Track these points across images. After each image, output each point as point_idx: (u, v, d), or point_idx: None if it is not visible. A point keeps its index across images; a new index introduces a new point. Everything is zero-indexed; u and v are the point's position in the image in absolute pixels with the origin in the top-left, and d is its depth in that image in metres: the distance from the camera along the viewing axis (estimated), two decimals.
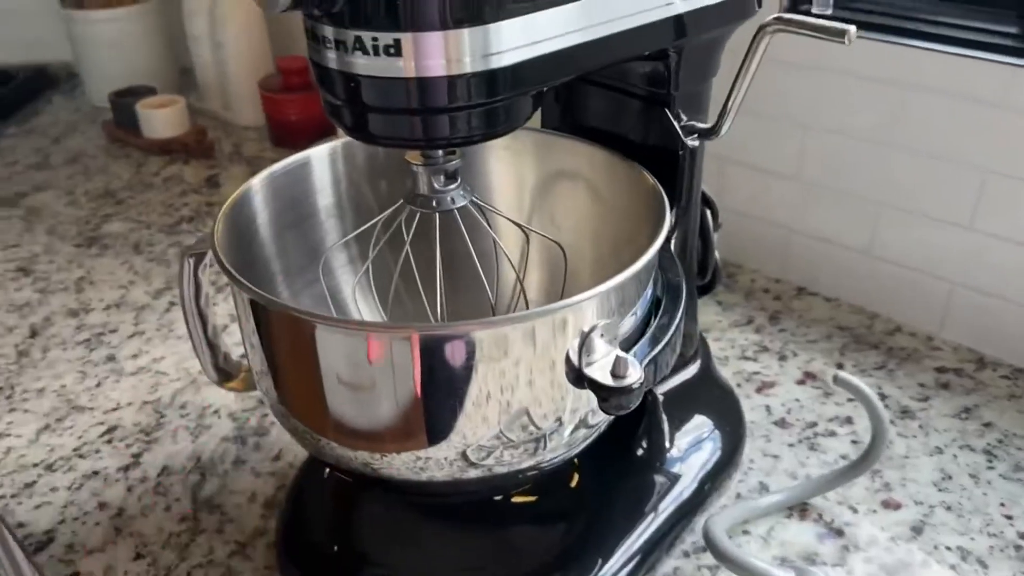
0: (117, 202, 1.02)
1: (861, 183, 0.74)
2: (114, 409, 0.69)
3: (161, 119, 1.12)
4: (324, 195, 0.55)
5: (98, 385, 0.72)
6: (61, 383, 0.72)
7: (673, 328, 0.45)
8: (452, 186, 0.48)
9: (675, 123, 0.50)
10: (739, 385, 0.70)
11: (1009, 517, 0.57)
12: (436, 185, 0.48)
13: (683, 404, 0.60)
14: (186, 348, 0.76)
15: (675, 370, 0.60)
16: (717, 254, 0.62)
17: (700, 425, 0.60)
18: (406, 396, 0.41)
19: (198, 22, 1.19)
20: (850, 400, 0.68)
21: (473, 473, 0.45)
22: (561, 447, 0.46)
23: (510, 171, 0.57)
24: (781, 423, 0.66)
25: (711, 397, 0.62)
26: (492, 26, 0.38)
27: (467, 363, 0.40)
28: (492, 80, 0.39)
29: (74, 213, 1.00)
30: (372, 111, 0.40)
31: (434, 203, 0.48)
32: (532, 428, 0.44)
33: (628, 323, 0.44)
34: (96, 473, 0.63)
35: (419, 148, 0.45)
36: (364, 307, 0.57)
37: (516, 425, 0.43)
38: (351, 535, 0.55)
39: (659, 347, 0.43)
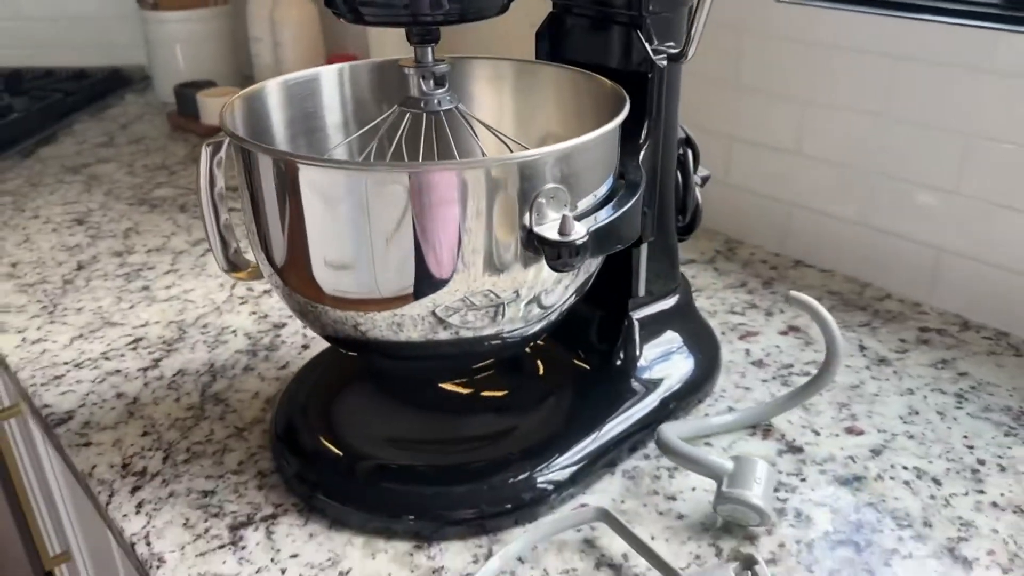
0: (171, 173, 1.11)
1: (855, 154, 0.78)
2: (142, 325, 0.76)
3: (219, 107, 1.21)
4: (332, 112, 0.61)
5: (131, 307, 0.79)
6: (98, 304, 0.79)
7: (623, 210, 0.49)
8: (440, 91, 0.54)
9: (646, 45, 0.55)
10: (723, 333, 0.73)
11: (971, 447, 0.59)
12: (425, 88, 0.54)
13: (660, 330, 0.63)
14: (215, 283, 0.83)
15: (654, 300, 0.64)
16: (699, 196, 0.66)
17: (671, 344, 0.63)
18: (380, 235, 0.46)
19: (259, 24, 1.29)
20: None
21: (443, 335, 0.49)
22: (519, 320, 0.50)
23: (493, 96, 0.62)
24: (759, 363, 0.68)
25: (686, 327, 0.65)
26: None
27: (431, 204, 0.44)
28: None
29: (130, 180, 1.09)
30: None
31: (423, 104, 0.54)
32: (492, 295, 0.48)
33: (587, 202, 0.49)
34: (119, 371, 0.69)
35: (402, 25, 0.50)
36: None
37: (478, 291, 0.48)
38: (334, 420, 0.59)
39: (607, 219, 0.47)
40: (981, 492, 0.55)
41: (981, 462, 0.57)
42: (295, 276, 0.51)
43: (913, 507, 0.54)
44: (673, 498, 0.55)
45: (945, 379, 0.66)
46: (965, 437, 0.60)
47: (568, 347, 0.64)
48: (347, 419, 0.59)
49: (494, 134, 0.57)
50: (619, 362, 0.62)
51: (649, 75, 0.55)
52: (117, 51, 1.53)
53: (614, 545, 0.51)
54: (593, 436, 0.57)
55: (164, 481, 0.57)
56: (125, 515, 0.54)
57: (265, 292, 0.81)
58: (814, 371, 0.67)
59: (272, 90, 0.57)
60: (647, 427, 0.59)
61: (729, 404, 0.64)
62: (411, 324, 0.49)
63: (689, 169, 0.65)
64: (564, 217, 0.45)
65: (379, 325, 0.50)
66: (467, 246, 0.46)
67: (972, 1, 0.70)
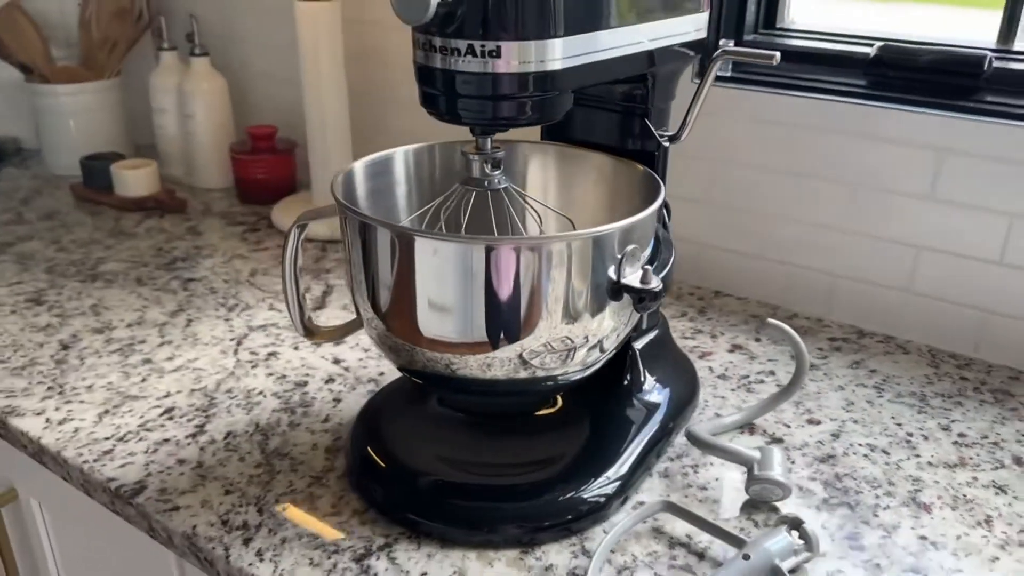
0: (106, 247, 1.11)
1: (759, 202, 0.96)
2: (165, 396, 0.79)
3: (136, 178, 1.23)
4: (400, 187, 0.71)
5: (143, 380, 0.82)
6: (107, 380, 0.82)
7: (671, 262, 0.62)
8: (496, 172, 0.65)
9: (654, 129, 0.69)
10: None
11: (899, 424, 0.77)
12: (486, 170, 0.65)
13: (653, 355, 0.77)
14: (217, 350, 0.87)
15: (644, 332, 0.78)
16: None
17: (666, 370, 0.77)
18: (478, 298, 0.56)
19: (165, 96, 1.32)
20: (770, 360, 0.87)
21: (523, 374, 0.60)
22: (578, 363, 0.62)
23: (538, 175, 0.74)
24: (722, 376, 0.84)
25: (671, 354, 0.80)
26: (548, 42, 0.56)
27: (526, 270, 0.55)
28: (547, 78, 0.57)
29: (67, 256, 1.08)
30: (461, 98, 0.57)
31: (485, 183, 0.65)
32: (568, 340, 0.60)
33: (642, 258, 0.62)
34: (167, 440, 0.73)
35: (487, 124, 0.60)
36: None
37: (558, 337, 0.59)
38: (408, 454, 0.67)
39: (666, 269, 0.61)
40: (918, 456, 0.73)
41: (910, 435, 0.76)
42: (399, 324, 0.60)
43: (877, 473, 0.70)
44: (705, 488, 0.68)
45: (862, 375, 0.84)
46: (893, 417, 0.78)
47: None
48: (412, 456, 0.68)
49: (543, 208, 0.69)
50: (626, 382, 0.75)
51: (656, 153, 0.70)
52: None
53: (677, 529, 0.64)
54: (633, 445, 0.69)
55: (271, 530, 0.63)
56: (251, 564, 0.60)
57: (271, 355, 0.86)
58: (767, 379, 0.84)
59: (358, 170, 0.66)
60: (664, 437, 0.72)
61: (715, 410, 0.78)
62: (499, 365, 0.60)
63: (666, 220, 0.79)
64: (645, 270, 0.58)
65: (470, 365, 0.60)
66: (552, 300, 0.58)
67: (842, 83, 0.91)
